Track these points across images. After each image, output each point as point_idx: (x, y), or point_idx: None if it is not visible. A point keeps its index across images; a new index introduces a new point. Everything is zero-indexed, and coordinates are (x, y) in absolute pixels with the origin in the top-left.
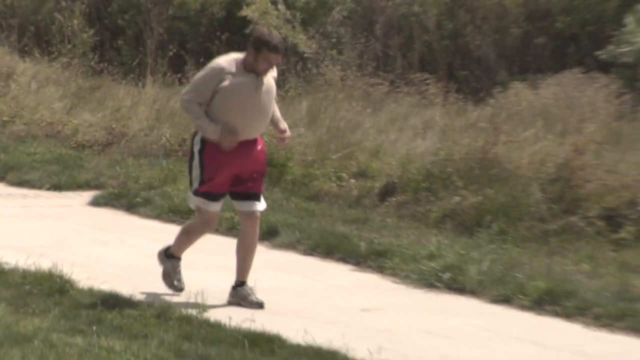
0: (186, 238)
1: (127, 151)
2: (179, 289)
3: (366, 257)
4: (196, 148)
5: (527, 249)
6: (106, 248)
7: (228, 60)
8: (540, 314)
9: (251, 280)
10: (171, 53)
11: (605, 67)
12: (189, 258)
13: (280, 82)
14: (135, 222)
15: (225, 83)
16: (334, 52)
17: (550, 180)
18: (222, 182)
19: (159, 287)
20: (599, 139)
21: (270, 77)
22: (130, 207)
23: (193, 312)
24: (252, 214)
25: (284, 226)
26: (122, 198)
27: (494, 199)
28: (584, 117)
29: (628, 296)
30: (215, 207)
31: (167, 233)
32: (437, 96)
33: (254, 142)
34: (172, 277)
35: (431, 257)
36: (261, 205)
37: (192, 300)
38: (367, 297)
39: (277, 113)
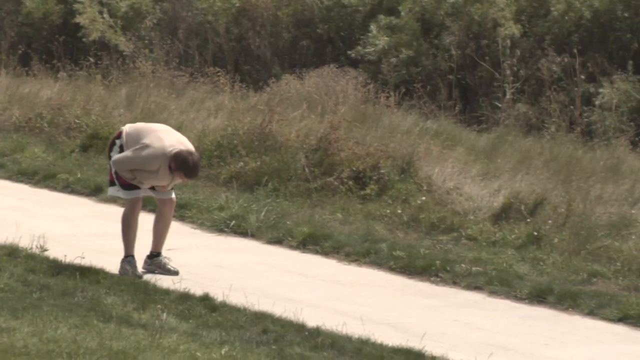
0: (127, 229)
1: None
2: (139, 275)
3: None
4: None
5: (294, 202)
6: None
7: (160, 159)
8: (304, 252)
9: (83, 227)
10: (20, 52)
11: (354, 63)
12: (33, 209)
13: (104, 74)
14: None
15: (149, 174)
16: (147, 50)
17: (312, 149)
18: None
19: (9, 231)
20: (350, 118)
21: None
22: None
23: (36, 251)
24: (166, 200)
25: (107, 185)
26: None
27: (269, 164)
28: (338, 101)
29: (371, 238)
30: (138, 192)
31: (16, 190)
32: (226, 85)
33: None
34: (130, 270)
35: (221, 208)
36: (173, 193)
37: (35, 242)
38: (171, 240)
39: None
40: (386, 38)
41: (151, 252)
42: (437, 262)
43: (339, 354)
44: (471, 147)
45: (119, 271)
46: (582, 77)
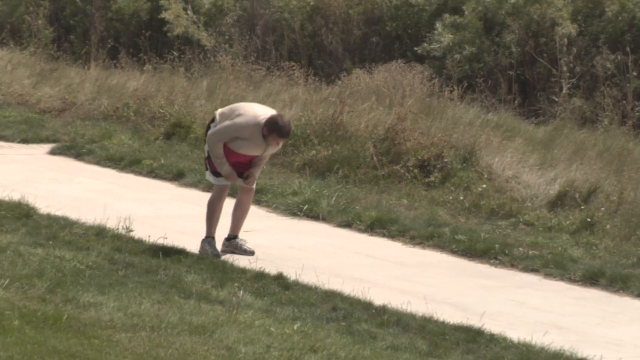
0: (211, 212)
1: (76, 115)
2: (218, 254)
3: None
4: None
5: (363, 188)
6: (60, 185)
7: (254, 125)
8: (372, 235)
9: (166, 209)
10: (109, 45)
11: (420, 59)
12: (119, 192)
13: (187, 67)
14: (81, 166)
15: (244, 140)
16: (227, 45)
17: (380, 139)
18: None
19: (97, 213)
20: (415, 110)
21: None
22: (78, 156)
23: (122, 231)
24: (247, 189)
25: (189, 171)
26: (72, 149)
27: (340, 152)
28: (405, 94)
29: (435, 222)
30: (224, 181)
31: (104, 174)
32: (300, 78)
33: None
34: (210, 250)
35: (294, 193)
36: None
37: (121, 223)
38: (248, 223)
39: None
40: (450, 35)
41: (229, 235)
42: (496, 245)
43: (403, 331)
44: (529, 138)
45: (199, 250)
46: (634, 73)
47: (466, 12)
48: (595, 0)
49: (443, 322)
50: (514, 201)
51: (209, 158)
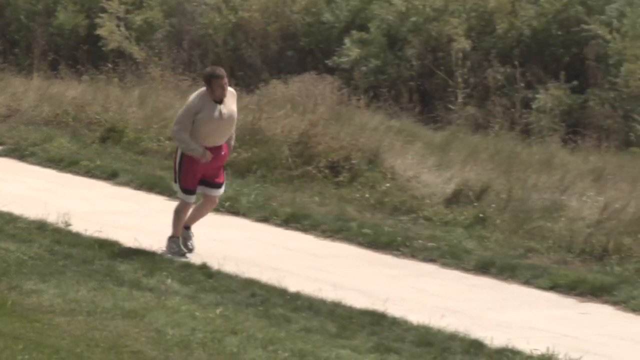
0: (178, 220)
1: (20, 121)
2: (183, 253)
3: (176, 192)
4: (177, 160)
5: (279, 187)
6: (5, 183)
7: (200, 95)
8: (287, 229)
9: (101, 206)
10: (50, 58)
11: (331, 71)
12: (59, 190)
13: (120, 78)
14: (24, 167)
15: (199, 115)
16: (156, 58)
17: (294, 143)
18: (194, 181)
19: (39, 209)
20: (326, 117)
21: (232, 104)
22: (22, 157)
23: (62, 225)
24: (212, 197)
25: (122, 171)
26: (16, 151)
27: (258, 155)
28: (317, 102)
29: (343, 218)
30: (192, 198)
31: (45, 174)
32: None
33: (219, 147)
34: (176, 249)
35: None
36: (221, 191)
37: (61, 218)
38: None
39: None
40: (358, 50)
41: (185, 224)
42: (399, 238)
43: (315, 315)
44: (428, 142)
45: (166, 247)
46: (522, 84)
47: (372, 29)
48: (487, 18)
49: (351, 307)
50: (414, 198)
51: (179, 171)
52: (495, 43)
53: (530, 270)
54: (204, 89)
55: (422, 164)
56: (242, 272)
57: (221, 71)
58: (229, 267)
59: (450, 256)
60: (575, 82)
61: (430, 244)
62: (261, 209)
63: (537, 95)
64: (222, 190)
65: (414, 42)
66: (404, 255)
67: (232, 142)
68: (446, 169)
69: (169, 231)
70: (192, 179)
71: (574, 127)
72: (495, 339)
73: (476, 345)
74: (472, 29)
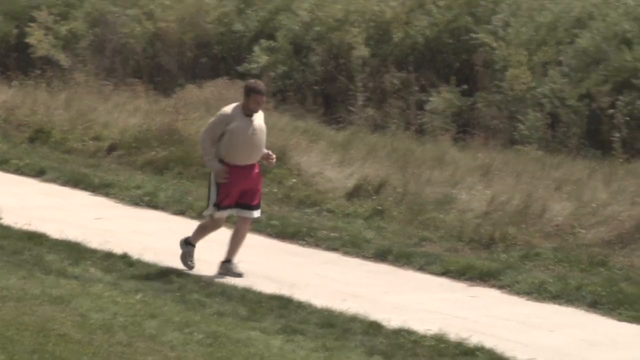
0: (200, 233)
1: None
2: (190, 267)
3: (99, 187)
4: (211, 179)
5: (194, 183)
6: None
7: (233, 107)
8: (201, 221)
9: (30, 201)
10: None
11: (242, 76)
12: None
13: (48, 83)
14: None
15: (231, 126)
16: (81, 65)
17: None
18: (231, 197)
19: None
20: None
21: (261, 120)
22: None
23: None
24: (246, 219)
25: (49, 169)
26: None
27: (175, 153)
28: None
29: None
30: (224, 214)
31: None
32: (142, 92)
33: (252, 166)
34: (187, 258)
35: (137, 187)
36: (257, 213)
37: None
38: (98, 211)
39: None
40: (266, 57)
41: (226, 259)
42: (304, 229)
43: (227, 300)
44: (331, 141)
45: (182, 252)
46: (416, 88)
47: (279, 38)
48: (384, 28)
49: (260, 292)
50: (318, 193)
51: (213, 188)
52: (392, 50)
53: (424, 258)
54: (236, 103)
55: (325, 161)
56: (160, 260)
57: (263, 88)
58: (148, 257)
59: (351, 245)
60: (465, 86)
61: (332, 234)
62: (178, 202)
63: (430, 98)
64: (257, 213)
65: (318, 50)
66: (308, 244)
67: (267, 152)
68: (347, 166)
69: (92, 223)
70: (224, 193)
71: (464, 127)
72: (392, 320)
73: (375, 327)
74: (371, 37)
